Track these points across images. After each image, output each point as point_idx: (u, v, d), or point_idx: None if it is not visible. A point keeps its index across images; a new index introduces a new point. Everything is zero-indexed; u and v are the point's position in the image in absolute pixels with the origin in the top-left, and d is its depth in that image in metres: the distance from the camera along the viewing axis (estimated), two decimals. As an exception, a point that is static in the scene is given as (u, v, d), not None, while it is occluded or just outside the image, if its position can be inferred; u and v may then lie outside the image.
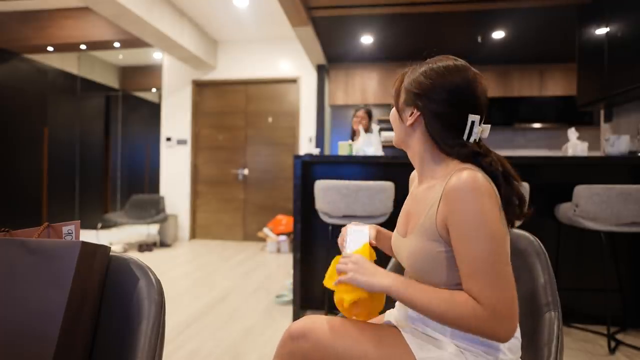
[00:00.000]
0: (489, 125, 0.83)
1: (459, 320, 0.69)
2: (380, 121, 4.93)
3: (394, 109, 0.90)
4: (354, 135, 3.43)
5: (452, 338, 0.77)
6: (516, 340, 0.78)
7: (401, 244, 0.87)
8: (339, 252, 0.99)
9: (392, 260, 1.17)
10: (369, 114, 3.56)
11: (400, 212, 0.94)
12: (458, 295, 0.70)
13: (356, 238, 0.94)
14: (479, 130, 0.80)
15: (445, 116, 0.80)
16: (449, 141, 0.80)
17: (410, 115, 0.84)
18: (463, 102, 0.79)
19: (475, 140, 0.80)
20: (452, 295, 0.71)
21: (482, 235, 0.69)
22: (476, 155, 0.78)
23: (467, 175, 0.71)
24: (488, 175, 0.75)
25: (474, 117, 0.79)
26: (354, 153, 2.91)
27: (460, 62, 0.83)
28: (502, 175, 0.76)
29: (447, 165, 0.81)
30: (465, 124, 0.79)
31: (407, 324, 0.84)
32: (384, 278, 0.77)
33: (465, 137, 0.80)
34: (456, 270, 0.74)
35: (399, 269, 1.16)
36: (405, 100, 0.85)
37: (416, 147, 0.86)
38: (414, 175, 1.01)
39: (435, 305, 0.71)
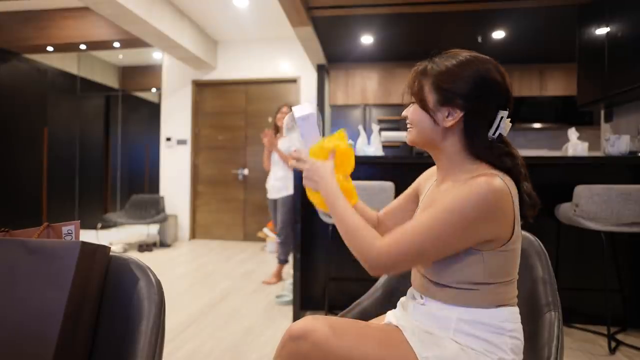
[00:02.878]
0: (509, 119, 0.80)
1: (358, 242, 0.78)
2: (380, 121, 4.93)
3: (414, 107, 0.83)
4: (277, 132, 3.29)
5: (454, 336, 0.77)
6: (519, 341, 0.78)
7: None
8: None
9: None
10: None
11: (417, 210, 0.93)
12: (365, 230, 0.79)
13: (310, 131, 0.98)
14: (505, 126, 0.78)
15: (486, 115, 0.77)
16: (485, 142, 0.78)
17: (448, 116, 0.78)
18: (501, 98, 0.77)
19: (500, 135, 0.79)
20: (362, 228, 0.79)
21: (440, 214, 0.72)
22: (506, 156, 0.77)
23: (484, 179, 0.71)
24: (513, 178, 0.75)
25: (503, 113, 0.77)
26: (281, 148, 3.11)
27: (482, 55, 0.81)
28: (524, 176, 0.77)
29: (472, 168, 0.79)
30: (494, 121, 0.77)
31: (409, 322, 0.83)
32: (325, 187, 0.88)
33: (491, 133, 0.78)
34: (472, 269, 0.75)
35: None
36: (440, 100, 0.78)
37: (449, 149, 0.81)
38: (429, 174, 0.99)
39: (351, 222, 0.81)
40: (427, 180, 0.99)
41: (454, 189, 0.77)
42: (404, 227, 0.76)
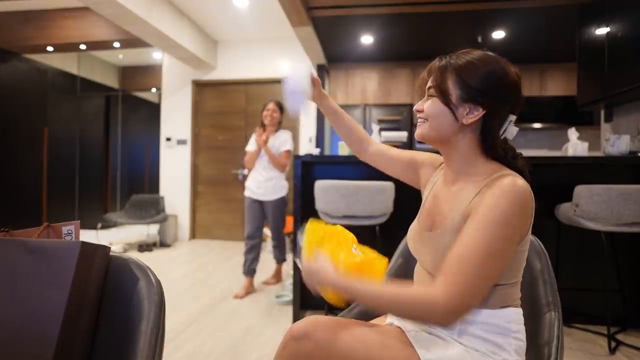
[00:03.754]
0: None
1: (415, 317, 0.72)
2: (380, 121, 4.92)
3: (432, 100, 0.81)
4: (264, 129, 3.04)
5: (459, 337, 0.76)
6: (522, 343, 0.78)
7: (425, 238, 0.84)
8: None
9: (398, 251, 1.16)
10: (280, 107, 3.07)
11: (421, 209, 0.91)
12: (411, 293, 0.71)
13: (295, 89, 0.85)
14: (512, 130, 0.79)
15: (502, 116, 0.77)
16: (499, 142, 0.78)
17: (468, 113, 0.77)
18: (515, 101, 0.78)
19: (505, 139, 0.80)
20: (406, 294, 0.71)
21: (490, 230, 0.68)
22: (516, 158, 0.78)
23: (510, 180, 0.71)
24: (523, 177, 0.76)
25: (512, 117, 0.78)
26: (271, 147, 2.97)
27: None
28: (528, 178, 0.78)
29: (487, 167, 0.79)
30: (504, 123, 0.78)
31: (412, 323, 0.83)
32: (345, 287, 0.77)
33: (499, 134, 0.79)
34: None
35: (403, 265, 1.16)
36: (463, 96, 0.77)
37: (462, 147, 0.80)
38: (431, 161, 0.98)
39: (393, 300, 0.72)
40: (430, 168, 0.97)
41: (466, 191, 0.77)
42: (454, 262, 0.69)
